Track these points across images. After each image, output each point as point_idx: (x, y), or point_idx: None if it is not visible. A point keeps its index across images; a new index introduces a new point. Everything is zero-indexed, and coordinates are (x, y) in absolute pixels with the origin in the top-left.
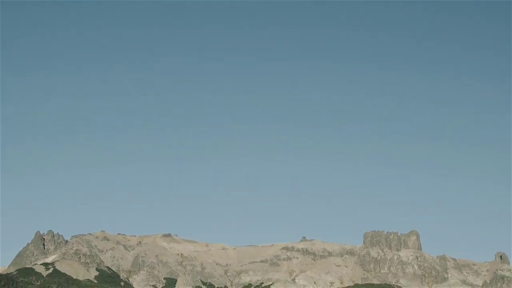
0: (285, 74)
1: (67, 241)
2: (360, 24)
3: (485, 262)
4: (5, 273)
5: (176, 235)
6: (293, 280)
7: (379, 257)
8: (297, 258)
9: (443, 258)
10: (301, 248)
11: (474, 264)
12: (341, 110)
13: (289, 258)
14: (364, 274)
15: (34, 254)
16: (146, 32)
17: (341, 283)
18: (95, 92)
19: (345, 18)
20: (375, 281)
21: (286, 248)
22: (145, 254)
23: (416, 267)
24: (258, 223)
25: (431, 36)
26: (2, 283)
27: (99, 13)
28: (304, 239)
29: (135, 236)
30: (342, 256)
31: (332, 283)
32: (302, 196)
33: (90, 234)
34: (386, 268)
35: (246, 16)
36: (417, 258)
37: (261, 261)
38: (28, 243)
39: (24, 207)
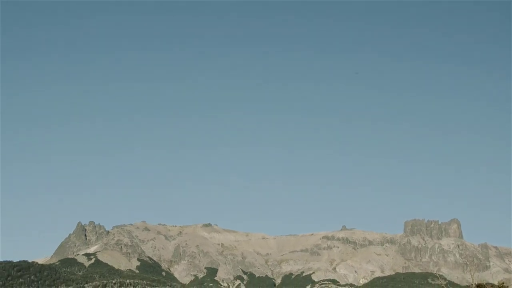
0: (325, 71)
1: (108, 232)
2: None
3: None
4: (48, 263)
5: (217, 225)
6: (334, 269)
7: (420, 246)
8: (338, 247)
9: (484, 247)
10: (342, 237)
11: None
12: (374, 105)
13: (329, 247)
14: (405, 263)
15: (76, 245)
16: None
17: (382, 272)
18: (125, 79)
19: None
20: (416, 270)
21: (326, 237)
22: (186, 244)
23: (457, 255)
24: (298, 212)
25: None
26: (45, 273)
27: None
28: (344, 228)
29: (175, 226)
30: (383, 245)
31: (373, 272)
32: (341, 185)
33: (131, 224)
34: (427, 257)
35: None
36: (458, 247)
37: (302, 250)
38: (70, 234)
39: (66, 199)
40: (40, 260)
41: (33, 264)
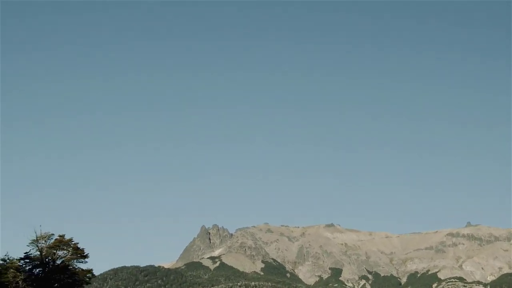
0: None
1: (232, 235)
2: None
3: None
4: (174, 267)
5: (339, 225)
6: (460, 266)
7: None
8: (463, 244)
9: None
10: (467, 234)
11: None
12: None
13: (454, 244)
14: None
15: (201, 248)
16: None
17: (510, 268)
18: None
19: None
20: None
21: (451, 234)
22: (309, 244)
23: None
24: (421, 210)
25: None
26: (171, 277)
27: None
28: (469, 224)
29: (298, 227)
30: (510, 241)
31: (500, 269)
32: (465, 181)
33: (254, 226)
34: None
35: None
36: None
37: (426, 248)
38: (194, 238)
39: (189, 203)
40: (166, 265)
41: (159, 268)
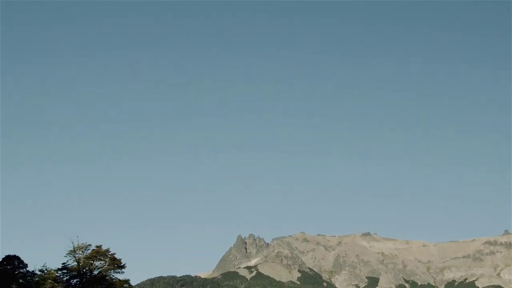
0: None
1: (268, 244)
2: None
3: None
4: (210, 277)
5: (376, 234)
6: (498, 275)
7: None
8: (501, 252)
9: None
10: (505, 242)
11: None
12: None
13: (492, 253)
14: None
15: (237, 258)
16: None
17: None
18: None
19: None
20: None
21: (488, 242)
22: (346, 254)
23: None
24: (457, 218)
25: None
26: (208, 287)
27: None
28: (506, 232)
29: (334, 236)
30: None
31: None
32: (502, 188)
33: (290, 236)
34: None
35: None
36: None
37: (464, 257)
38: (230, 247)
39: (225, 213)
40: (203, 274)
41: (196, 278)
